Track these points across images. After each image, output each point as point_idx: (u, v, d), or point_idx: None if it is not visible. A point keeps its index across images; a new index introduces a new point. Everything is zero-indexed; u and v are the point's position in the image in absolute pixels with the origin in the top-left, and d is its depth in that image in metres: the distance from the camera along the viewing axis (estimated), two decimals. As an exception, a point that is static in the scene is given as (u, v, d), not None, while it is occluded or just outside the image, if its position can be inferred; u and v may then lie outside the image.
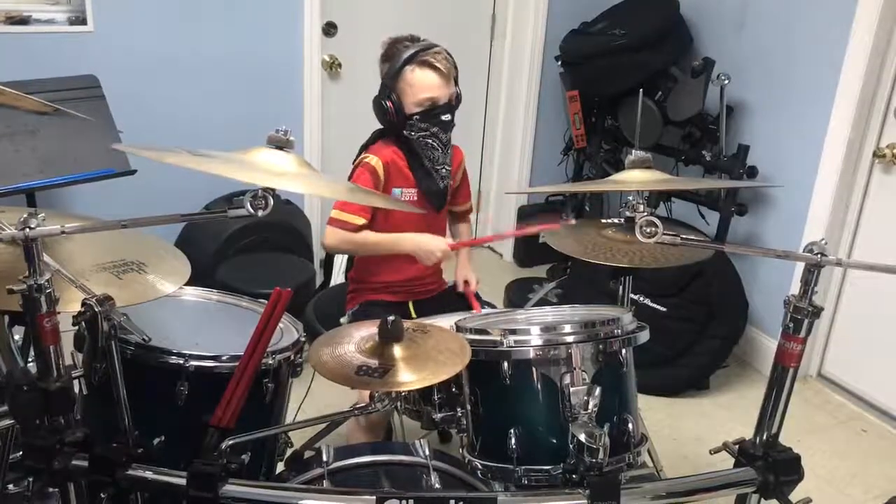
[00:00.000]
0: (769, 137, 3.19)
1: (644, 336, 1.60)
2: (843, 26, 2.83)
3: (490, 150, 4.24)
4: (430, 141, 2.14)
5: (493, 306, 2.36)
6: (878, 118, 2.87)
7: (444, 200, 2.27)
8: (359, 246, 2.19)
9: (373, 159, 2.15)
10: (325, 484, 1.46)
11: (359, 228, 2.14)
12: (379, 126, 2.21)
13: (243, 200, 1.16)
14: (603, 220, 2.06)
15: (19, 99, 1.48)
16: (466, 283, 2.34)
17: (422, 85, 2.08)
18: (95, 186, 2.53)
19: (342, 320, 2.26)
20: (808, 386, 3.20)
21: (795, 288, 1.30)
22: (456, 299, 2.33)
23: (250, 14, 3.23)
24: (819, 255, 1.24)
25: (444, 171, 2.21)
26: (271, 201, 1.16)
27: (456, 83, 2.16)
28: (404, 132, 2.14)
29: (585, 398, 1.37)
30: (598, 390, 1.36)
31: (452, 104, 2.14)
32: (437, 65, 2.07)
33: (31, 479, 1.32)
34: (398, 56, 2.09)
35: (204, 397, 1.41)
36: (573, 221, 2.14)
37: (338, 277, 2.58)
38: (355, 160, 2.22)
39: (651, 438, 1.72)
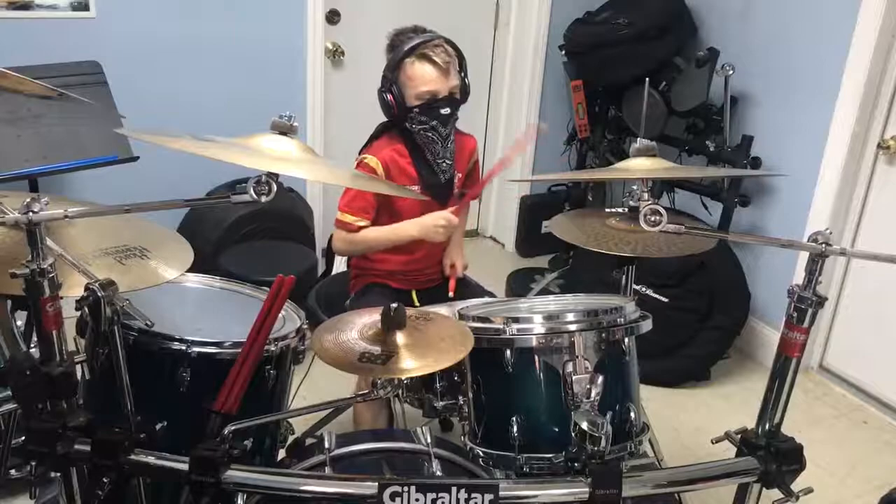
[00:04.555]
0: (773, 128, 3.18)
1: (647, 325, 1.60)
2: (849, 17, 2.82)
3: (493, 140, 4.22)
4: (430, 134, 2.13)
5: (493, 296, 2.36)
6: (883, 110, 2.86)
7: (448, 194, 2.27)
8: (365, 245, 2.20)
9: (371, 160, 2.14)
10: (327, 470, 1.46)
11: (360, 229, 2.15)
12: (382, 113, 2.20)
13: (246, 186, 1.15)
14: (606, 210, 2.06)
15: (22, 83, 1.47)
16: (453, 266, 2.34)
17: (420, 78, 2.07)
18: (97, 173, 2.53)
19: (347, 304, 2.26)
20: (809, 377, 3.20)
21: (797, 279, 1.29)
22: (460, 288, 2.33)
23: (254, 0, 3.22)
24: (823, 245, 1.23)
25: (444, 164, 2.20)
26: (274, 187, 1.16)
27: (465, 74, 2.15)
28: (406, 124, 2.13)
29: (588, 386, 1.36)
30: (600, 379, 1.36)
31: (456, 96, 2.13)
32: (436, 58, 2.06)
33: (33, 464, 1.32)
34: (399, 48, 2.08)
35: (206, 383, 1.41)
36: (545, 126, 2.11)
37: (340, 265, 2.58)
38: (360, 152, 2.22)
39: (652, 428, 1.72)
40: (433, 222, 2.12)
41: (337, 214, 2.17)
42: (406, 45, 2.07)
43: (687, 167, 3.14)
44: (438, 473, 1.48)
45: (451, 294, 2.27)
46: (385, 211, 2.19)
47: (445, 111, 2.11)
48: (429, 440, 1.54)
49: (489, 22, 3.99)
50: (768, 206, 3.26)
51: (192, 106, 3.16)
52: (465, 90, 2.16)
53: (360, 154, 2.22)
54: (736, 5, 3.33)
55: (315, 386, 1.93)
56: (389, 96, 2.09)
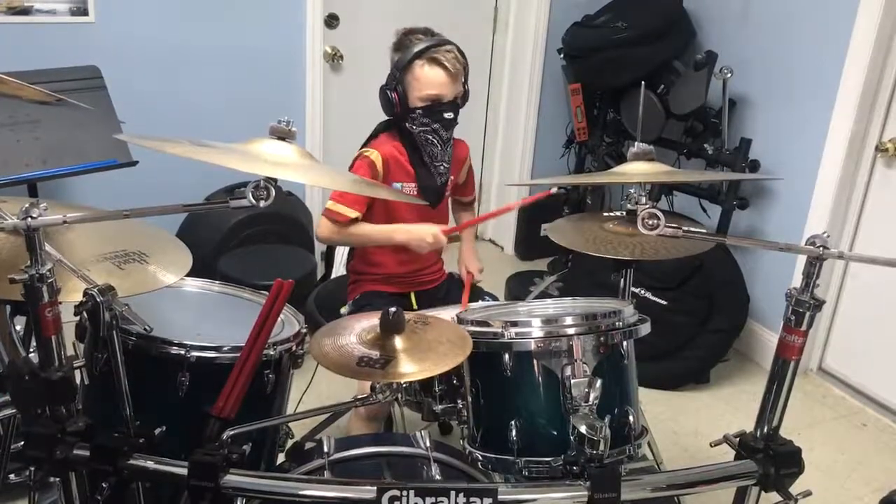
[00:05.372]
0: (771, 131, 3.18)
1: (645, 329, 1.59)
2: (847, 20, 2.82)
3: (491, 143, 4.23)
4: (430, 136, 2.14)
5: (494, 298, 2.37)
6: (881, 112, 2.87)
7: (441, 197, 2.28)
8: (350, 238, 2.19)
9: (372, 153, 2.15)
10: (326, 475, 1.46)
11: (351, 221, 2.14)
12: (382, 118, 2.21)
13: (245, 191, 1.16)
14: (605, 213, 2.06)
15: (21, 89, 1.48)
16: (469, 272, 2.35)
17: (428, 81, 2.08)
18: (97, 178, 2.53)
19: (342, 311, 2.26)
20: (808, 380, 3.20)
21: (796, 282, 1.30)
22: (458, 290, 2.33)
23: (252, 4, 3.22)
24: (821, 248, 1.23)
25: (442, 167, 2.22)
26: (273, 192, 1.16)
27: (465, 81, 2.16)
28: (406, 124, 2.14)
29: (586, 390, 1.37)
30: (599, 382, 1.36)
31: (458, 102, 2.14)
32: (446, 63, 2.07)
33: (32, 469, 1.32)
34: (409, 49, 2.08)
35: (205, 388, 1.41)
36: (553, 191, 2.15)
37: (339, 269, 2.58)
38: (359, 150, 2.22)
39: (651, 431, 1.71)
40: (420, 236, 2.10)
41: (328, 204, 2.14)
42: (417, 47, 2.07)
43: (685, 171, 3.15)
44: (437, 477, 1.48)
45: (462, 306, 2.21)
46: (381, 206, 2.19)
47: (448, 115, 2.12)
48: (428, 444, 1.54)
49: (488, 25, 4.00)
50: (767, 209, 3.26)
51: (192, 110, 3.17)
52: (465, 97, 2.18)
53: (362, 148, 2.22)
54: (734, 9, 3.33)
55: (315, 389, 1.93)
56: (394, 94, 2.10)
